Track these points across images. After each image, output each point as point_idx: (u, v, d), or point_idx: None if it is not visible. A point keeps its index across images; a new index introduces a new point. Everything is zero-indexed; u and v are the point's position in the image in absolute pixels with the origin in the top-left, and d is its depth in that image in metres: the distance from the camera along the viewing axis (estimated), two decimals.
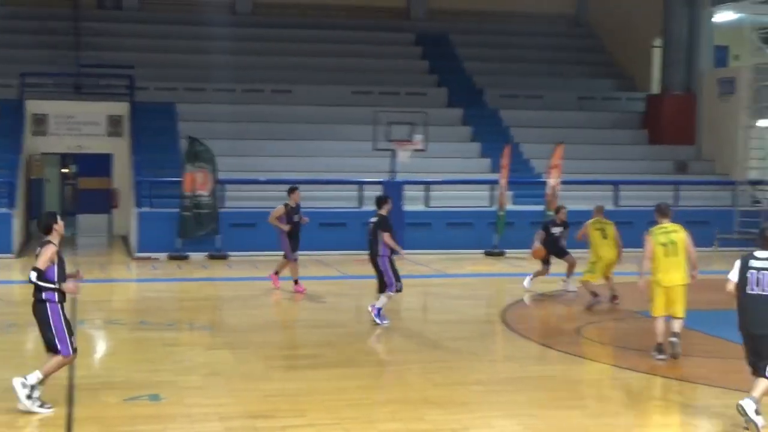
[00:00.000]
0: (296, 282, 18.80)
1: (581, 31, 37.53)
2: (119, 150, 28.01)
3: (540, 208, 24.99)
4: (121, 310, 17.44)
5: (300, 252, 19.18)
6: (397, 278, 15.57)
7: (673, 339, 13.13)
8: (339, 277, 21.35)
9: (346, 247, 24.15)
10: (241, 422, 10.26)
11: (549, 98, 32.59)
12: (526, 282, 19.22)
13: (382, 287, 15.61)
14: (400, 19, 36.32)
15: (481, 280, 21.77)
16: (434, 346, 14.09)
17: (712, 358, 13.79)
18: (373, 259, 15.70)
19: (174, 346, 14.02)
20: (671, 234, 13.22)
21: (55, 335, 10.40)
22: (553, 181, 24.69)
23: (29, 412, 10.29)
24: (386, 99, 29.99)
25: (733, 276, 10.30)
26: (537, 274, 19.19)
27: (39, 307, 10.42)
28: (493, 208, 25.49)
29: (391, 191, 24.83)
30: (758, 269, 10.05)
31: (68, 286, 10.44)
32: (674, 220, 13.63)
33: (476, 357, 13.44)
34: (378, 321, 15.45)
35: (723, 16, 30.86)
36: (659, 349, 13.20)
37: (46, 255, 10.28)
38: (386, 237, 15.46)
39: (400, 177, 25.28)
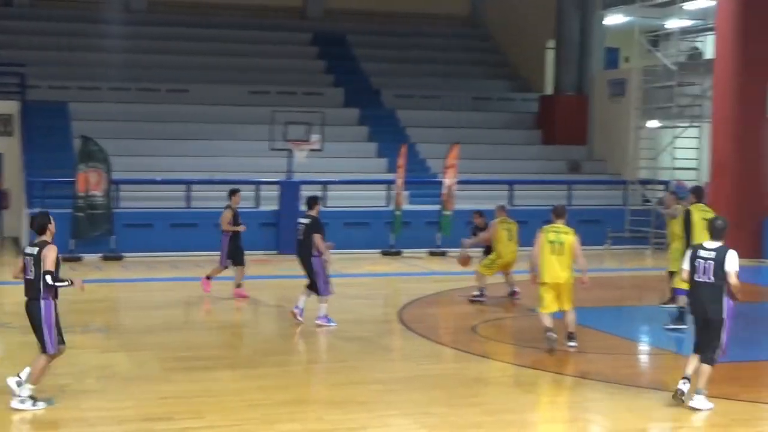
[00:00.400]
0: (239, 286, 18.42)
1: (476, 33, 37.95)
2: (10, 150, 27.39)
3: (436, 207, 25.20)
4: (11, 314, 17.02)
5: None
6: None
7: (550, 334, 13.43)
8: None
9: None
10: (139, 425, 10.16)
11: (445, 99, 32.90)
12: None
13: (314, 288, 15.46)
14: (296, 19, 36.28)
15: (378, 279, 21.85)
16: (333, 347, 14.13)
17: (605, 355, 14.09)
18: (305, 260, 15.51)
19: (68, 349, 13.78)
20: (561, 235, 13.62)
21: (46, 332, 10.71)
22: (449, 180, 24.92)
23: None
24: (283, 99, 29.93)
25: (686, 265, 11.08)
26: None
27: (34, 306, 10.69)
28: (390, 208, 25.62)
29: (288, 191, 24.85)
30: (705, 259, 10.85)
31: (77, 281, 10.97)
32: (568, 219, 13.92)
33: (374, 356, 13.52)
34: (331, 324, 15.33)
35: (613, 19, 31.53)
36: (570, 336, 13.66)
37: (52, 256, 10.57)
38: (317, 239, 15.31)
39: (297, 177, 25.25)
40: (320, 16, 36.46)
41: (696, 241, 13.75)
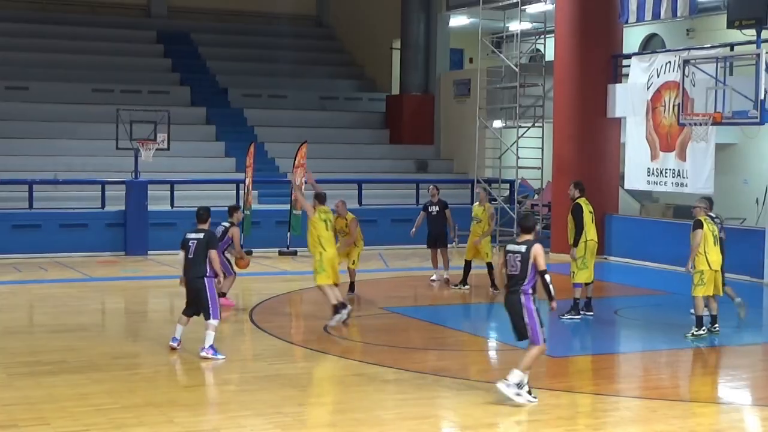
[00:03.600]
0: (224, 295, 17.09)
1: (323, 32, 38.06)
2: None
3: (286, 207, 25.16)
4: None
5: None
6: None
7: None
8: (81, 279, 20.77)
9: (88, 248, 23.64)
10: None
11: (292, 98, 32.90)
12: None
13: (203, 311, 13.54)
14: (141, 17, 35.72)
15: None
16: (182, 348, 13.95)
17: (454, 351, 14.34)
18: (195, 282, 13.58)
19: None
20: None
21: (527, 325, 11.00)
22: (298, 180, 24.89)
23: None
24: (128, 97, 29.45)
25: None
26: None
27: (514, 299, 11.05)
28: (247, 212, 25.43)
29: (135, 191, 24.45)
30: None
31: None
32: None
33: (225, 357, 13.40)
34: (219, 357, 13.30)
35: (458, 20, 32.10)
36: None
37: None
38: (213, 255, 13.55)
39: (143, 176, 24.87)
40: (165, 14, 35.99)
41: (588, 231, 15.70)
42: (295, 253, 23.97)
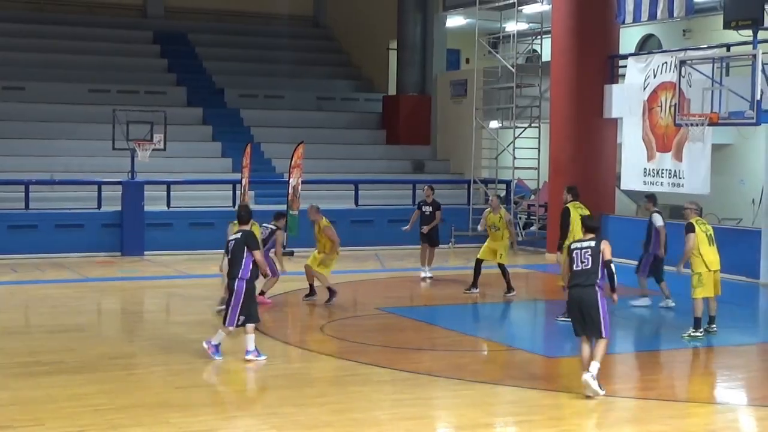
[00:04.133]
0: (263, 293, 17.24)
1: (320, 33, 38.05)
2: None
3: (282, 207, 25.13)
4: None
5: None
6: None
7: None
8: (78, 280, 20.77)
9: (84, 248, 23.63)
10: None
11: (289, 98, 32.88)
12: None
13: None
14: (137, 17, 35.71)
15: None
16: (177, 348, 13.95)
17: (450, 351, 14.34)
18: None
19: None
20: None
21: (601, 319, 11.32)
22: (294, 180, 24.92)
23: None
24: (125, 98, 29.42)
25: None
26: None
27: (591, 294, 11.41)
28: (236, 209, 25.41)
29: (132, 191, 24.45)
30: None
31: None
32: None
33: (221, 357, 13.40)
34: (217, 357, 13.21)
35: (454, 21, 32.11)
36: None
37: None
38: (257, 255, 13.28)
39: (140, 177, 24.86)
40: (161, 14, 35.96)
41: (575, 236, 15.01)
42: (292, 254, 23.96)
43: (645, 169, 23.19)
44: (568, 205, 16.45)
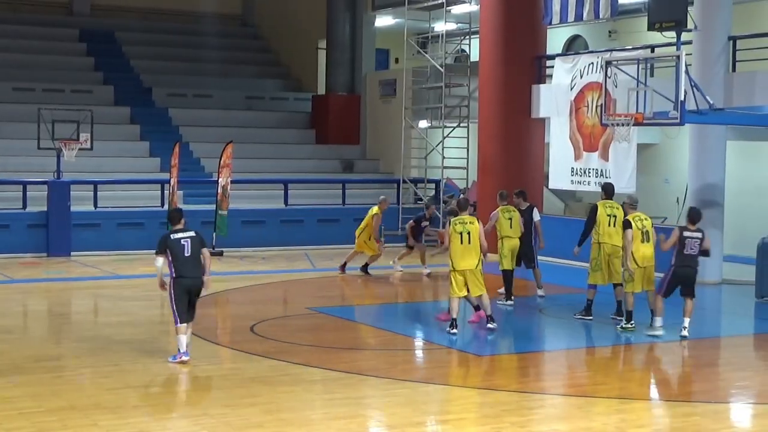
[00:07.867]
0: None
1: (248, 32, 37.91)
2: None
3: (211, 207, 25.00)
4: None
5: None
6: None
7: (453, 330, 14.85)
8: (3, 281, 20.44)
9: (9, 249, 23.26)
10: None
11: (218, 97, 32.74)
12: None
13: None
14: (63, 15, 35.27)
15: (153, 280, 21.36)
16: (106, 350, 13.82)
17: (381, 351, 14.38)
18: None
19: None
20: (467, 225, 14.81)
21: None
22: (223, 180, 24.78)
23: None
24: (50, 96, 29.08)
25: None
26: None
27: (694, 273, 14.94)
28: (164, 208, 25.21)
29: (58, 191, 24.12)
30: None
31: None
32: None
33: (151, 359, 13.30)
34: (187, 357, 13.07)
35: (383, 20, 32.19)
36: (453, 324, 14.80)
37: None
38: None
39: (66, 177, 24.54)
40: (87, 12, 35.59)
41: (603, 235, 16.02)
42: (221, 254, 23.83)
43: (572, 168, 23.44)
44: (597, 203, 16.73)
